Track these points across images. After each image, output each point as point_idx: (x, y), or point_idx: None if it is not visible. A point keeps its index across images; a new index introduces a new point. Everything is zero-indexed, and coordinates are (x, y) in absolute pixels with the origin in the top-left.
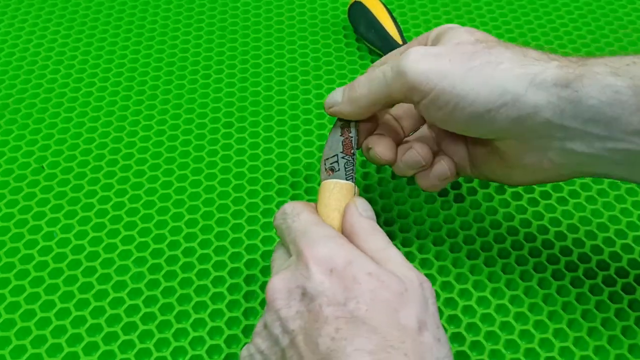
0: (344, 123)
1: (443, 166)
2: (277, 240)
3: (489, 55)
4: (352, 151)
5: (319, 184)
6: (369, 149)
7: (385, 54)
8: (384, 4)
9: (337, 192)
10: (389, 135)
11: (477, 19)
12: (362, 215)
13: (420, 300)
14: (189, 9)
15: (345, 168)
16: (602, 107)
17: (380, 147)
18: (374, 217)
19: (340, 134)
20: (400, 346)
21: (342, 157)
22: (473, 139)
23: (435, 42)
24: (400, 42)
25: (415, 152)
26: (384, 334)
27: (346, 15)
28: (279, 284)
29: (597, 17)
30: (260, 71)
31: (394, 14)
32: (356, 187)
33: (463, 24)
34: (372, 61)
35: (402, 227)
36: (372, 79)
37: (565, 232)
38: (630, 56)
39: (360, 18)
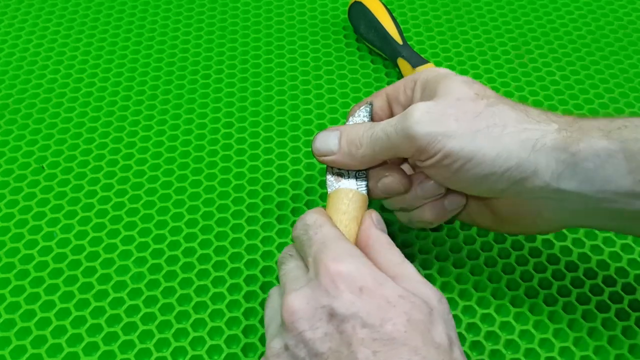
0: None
1: (454, 200)
2: (284, 248)
3: (493, 117)
4: None
5: (322, 186)
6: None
7: (385, 54)
8: (384, 4)
9: (355, 200)
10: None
11: (477, 19)
12: (378, 228)
13: (443, 316)
14: (189, 9)
15: (357, 177)
16: (596, 170)
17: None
18: (387, 231)
19: None
20: None
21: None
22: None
23: (427, 91)
24: (400, 42)
25: (392, 178)
26: (424, 353)
27: (346, 15)
28: (300, 303)
29: (597, 17)
30: (260, 71)
31: (394, 14)
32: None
33: (463, 24)
34: (372, 61)
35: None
36: (375, 139)
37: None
38: (622, 119)
39: (360, 18)
